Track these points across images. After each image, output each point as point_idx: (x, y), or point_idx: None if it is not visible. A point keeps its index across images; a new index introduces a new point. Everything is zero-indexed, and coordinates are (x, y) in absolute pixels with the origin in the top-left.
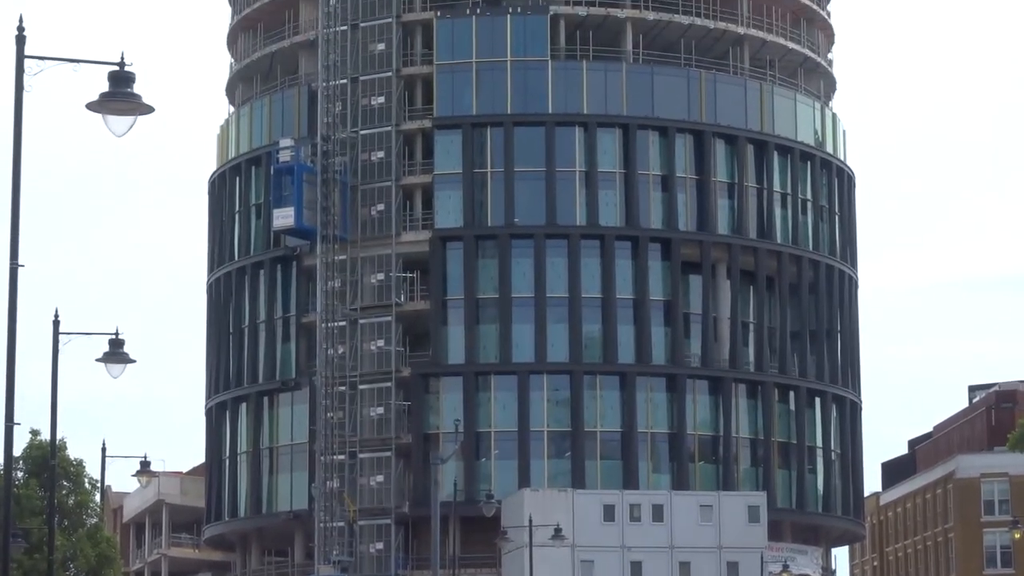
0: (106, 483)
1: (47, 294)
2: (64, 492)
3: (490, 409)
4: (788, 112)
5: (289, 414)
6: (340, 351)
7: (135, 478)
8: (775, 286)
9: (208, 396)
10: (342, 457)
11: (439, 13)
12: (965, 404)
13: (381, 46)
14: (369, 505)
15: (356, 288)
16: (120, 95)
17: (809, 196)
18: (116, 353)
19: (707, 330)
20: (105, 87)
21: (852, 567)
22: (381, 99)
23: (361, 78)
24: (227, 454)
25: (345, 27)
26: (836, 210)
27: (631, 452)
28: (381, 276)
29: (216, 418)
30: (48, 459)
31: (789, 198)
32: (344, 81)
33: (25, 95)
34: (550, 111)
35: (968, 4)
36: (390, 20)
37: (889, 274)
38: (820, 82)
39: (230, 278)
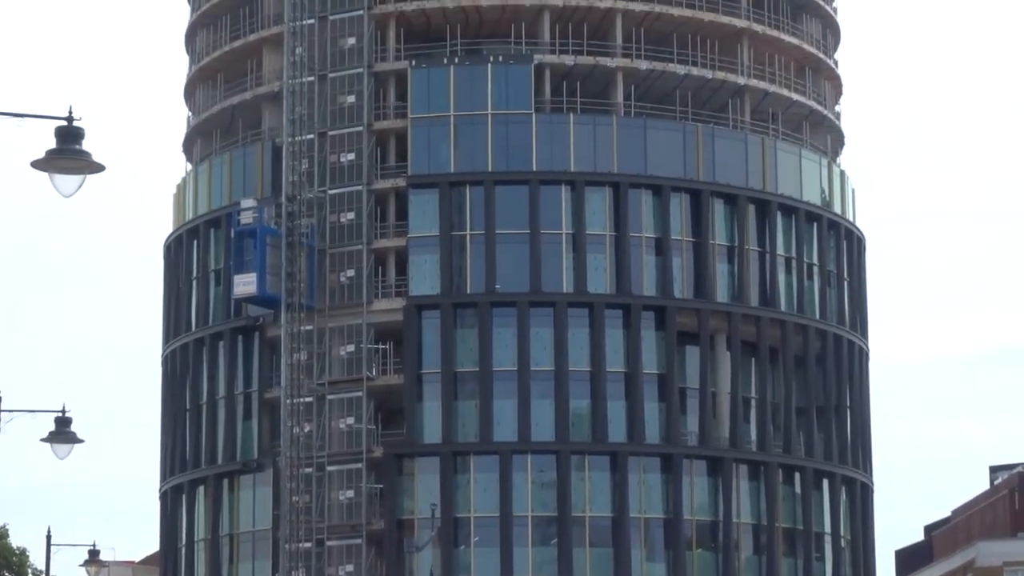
0: (51, 574)
1: None
2: None
3: (469, 492)
4: (792, 169)
5: (251, 498)
6: (306, 429)
7: (83, 568)
8: (779, 358)
9: (163, 478)
10: (308, 545)
11: (414, 62)
12: (986, 486)
13: (351, 98)
14: None
15: (324, 361)
16: (68, 152)
17: (815, 260)
18: (63, 432)
19: (705, 406)
20: (52, 143)
21: None
22: (351, 156)
23: (329, 133)
24: (183, 542)
25: (312, 77)
26: (845, 275)
27: (623, 539)
28: (351, 348)
29: (171, 502)
30: None
31: (794, 262)
32: (311, 136)
33: None
34: (534, 168)
35: (987, 59)
36: (361, 70)
37: (902, 345)
38: (827, 137)
39: (187, 350)
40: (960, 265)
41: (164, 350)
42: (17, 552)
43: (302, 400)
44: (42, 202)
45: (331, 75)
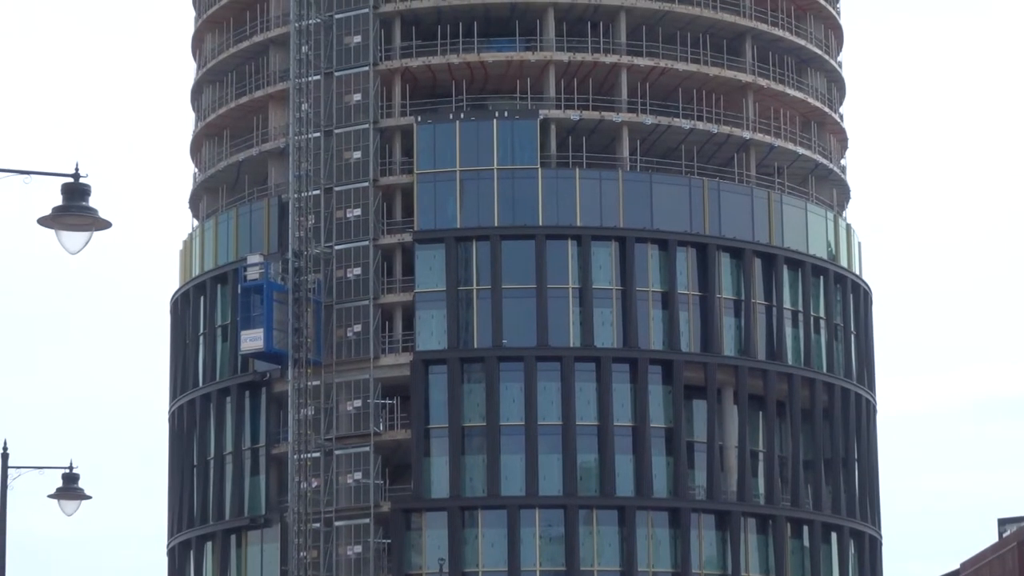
0: None
1: None
2: None
3: (477, 547)
4: (799, 223)
5: (258, 554)
6: (314, 485)
7: None
8: (786, 412)
9: (170, 534)
10: None
11: (419, 118)
12: (994, 539)
13: (357, 154)
14: None
15: (331, 416)
16: (75, 209)
17: (822, 314)
18: (70, 488)
19: (713, 460)
20: (58, 200)
21: None
22: (357, 211)
23: (336, 189)
24: None
25: (318, 133)
26: (852, 329)
27: None
28: (358, 403)
29: (179, 558)
30: None
31: (801, 316)
32: (317, 192)
33: None
34: (540, 223)
35: (991, 115)
36: (367, 126)
37: (910, 398)
38: (833, 191)
39: (194, 406)
40: (966, 317)
41: (171, 406)
42: None
43: (309, 455)
44: (49, 258)
45: (337, 131)
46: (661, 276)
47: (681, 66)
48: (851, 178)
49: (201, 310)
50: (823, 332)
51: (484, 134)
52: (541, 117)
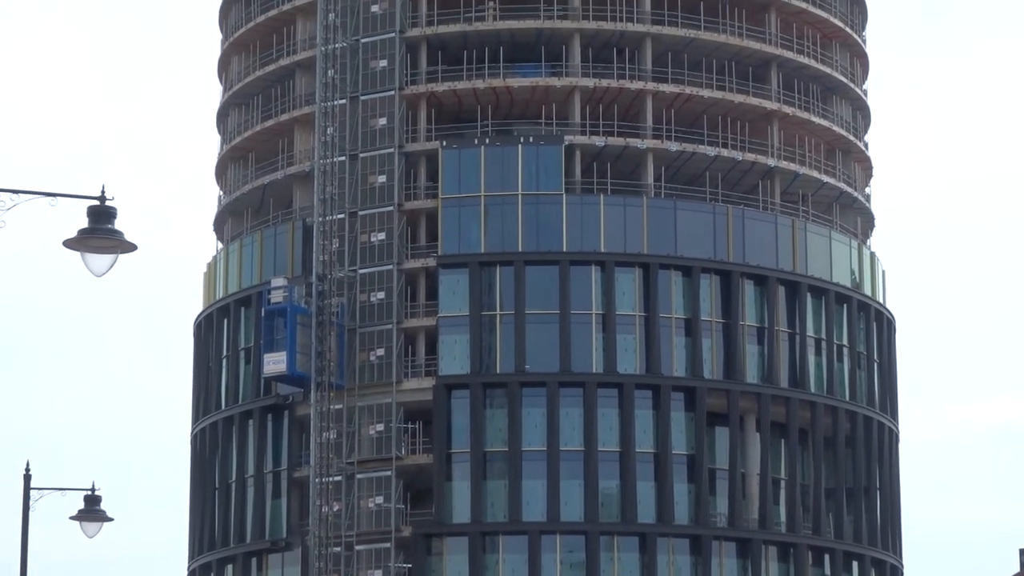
0: None
1: (17, 446)
2: None
3: (498, 572)
4: (822, 251)
5: None
6: (335, 508)
7: None
8: (808, 439)
9: (191, 557)
10: None
11: (444, 143)
12: (1016, 568)
13: (382, 178)
14: None
15: (353, 440)
16: (100, 231)
17: (845, 342)
18: (92, 510)
19: (734, 487)
20: (84, 223)
21: None
22: (382, 235)
23: (360, 213)
24: None
25: (343, 157)
26: (875, 357)
27: None
28: (380, 427)
29: None
30: None
31: (824, 344)
32: (342, 216)
33: None
34: (564, 249)
35: (1020, 139)
36: (392, 150)
37: (933, 427)
38: (857, 218)
39: (216, 429)
40: (989, 346)
41: (194, 428)
42: None
43: (331, 479)
44: (74, 280)
45: (362, 155)
46: (684, 303)
47: (706, 93)
48: (875, 206)
49: (225, 333)
50: (846, 360)
51: (509, 159)
52: (566, 143)
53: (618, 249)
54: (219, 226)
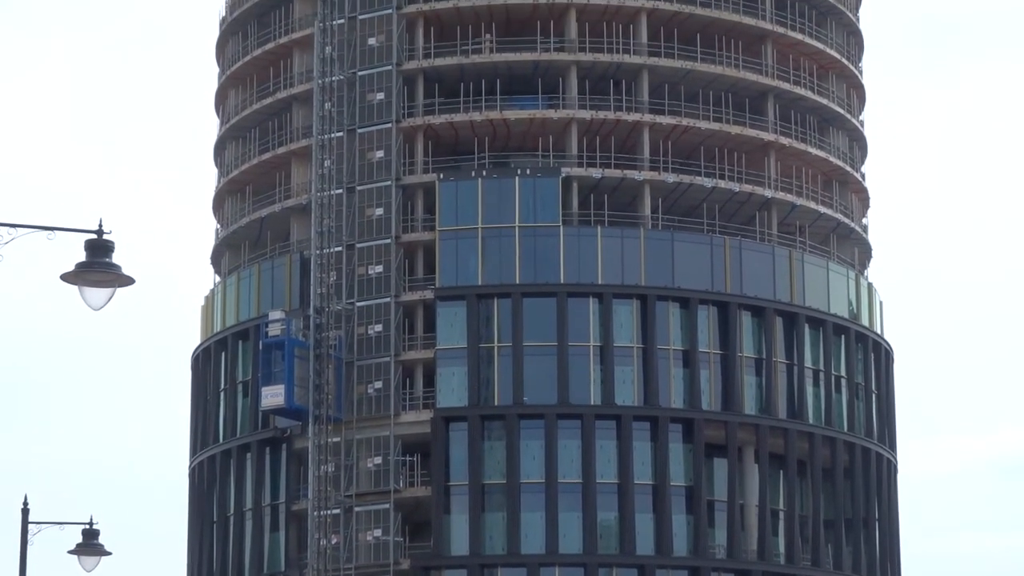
0: None
1: (15, 479)
2: None
3: None
4: (820, 282)
5: None
6: (334, 541)
7: None
8: (807, 471)
9: None
10: None
11: (442, 175)
12: None
13: (379, 210)
14: None
15: (351, 473)
16: (98, 265)
17: (843, 373)
18: (90, 544)
19: (733, 518)
20: (82, 256)
21: None
22: (379, 268)
23: (358, 245)
24: None
25: (340, 190)
26: (873, 388)
27: None
28: (378, 460)
29: None
30: None
31: (822, 375)
32: (339, 249)
33: None
34: (562, 281)
35: (1017, 169)
36: (389, 183)
37: (932, 458)
38: (854, 249)
39: (214, 462)
40: (988, 377)
41: (191, 462)
42: None
43: (329, 512)
44: (72, 314)
45: (359, 188)
46: (682, 334)
47: (703, 124)
48: (873, 237)
49: (222, 366)
50: (844, 391)
51: (506, 191)
52: (563, 175)
53: (615, 281)
54: (217, 259)
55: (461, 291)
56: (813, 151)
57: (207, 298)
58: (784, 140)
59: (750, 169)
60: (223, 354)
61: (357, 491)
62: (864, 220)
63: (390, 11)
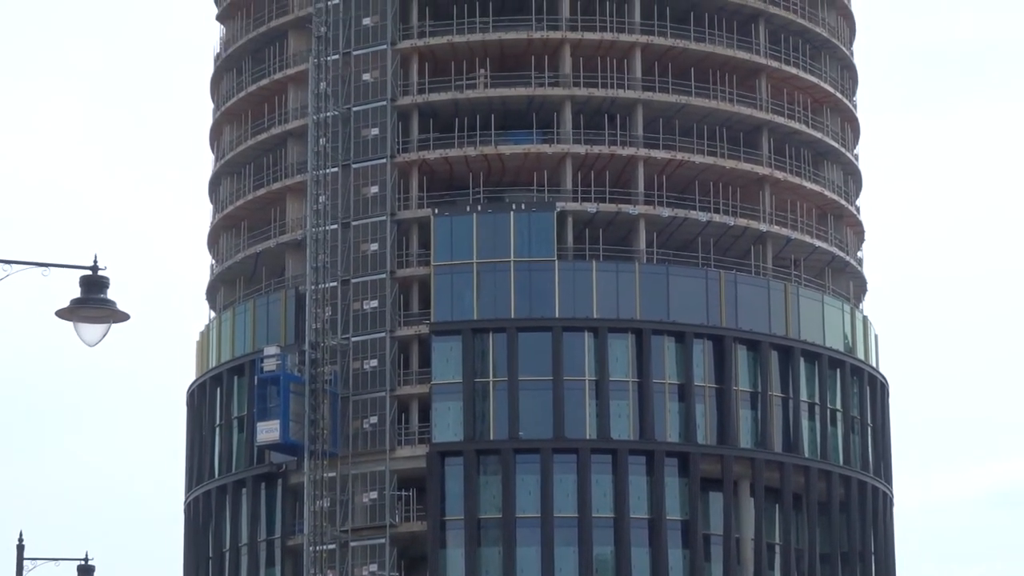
0: None
1: (10, 516)
2: None
3: None
4: (815, 316)
5: None
6: None
7: None
8: (803, 504)
9: None
10: None
11: (436, 210)
12: None
13: (374, 246)
14: None
15: (347, 508)
16: (92, 301)
17: (839, 406)
18: None
19: (729, 552)
20: (77, 292)
21: None
22: (374, 303)
23: (352, 280)
24: None
25: (335, 225)
26: (869, 421)
27: None
28: (374, 495)
29: None
30: None
31: (817, 408)
32: (334, 284)
33: None
34: (557, 315)
35: (1012, 203)
36: (384, 218)
37: (928, 491)
38: (849, 283)
39: (209, 497)
40: (983, 410)
41: (187, 497)
42: None
43: (325, 547)
44: (66, 351)
45: (354, 223)
46: (678, 368)
47: (698, 159)
48: (868, 270)
49: (217, 401)
50: (840, 424)
51: (501, 226)
52: (558, 209)
53: (611, 315)
54: (212, 295)
55: (456, 326)
56: (808, 185)
57: (202, 333)
58: (779, 174)
59: (745, 203)
60: (218, 389)
61: (353, 526)
62: (859, 253)
63: (384, 47)
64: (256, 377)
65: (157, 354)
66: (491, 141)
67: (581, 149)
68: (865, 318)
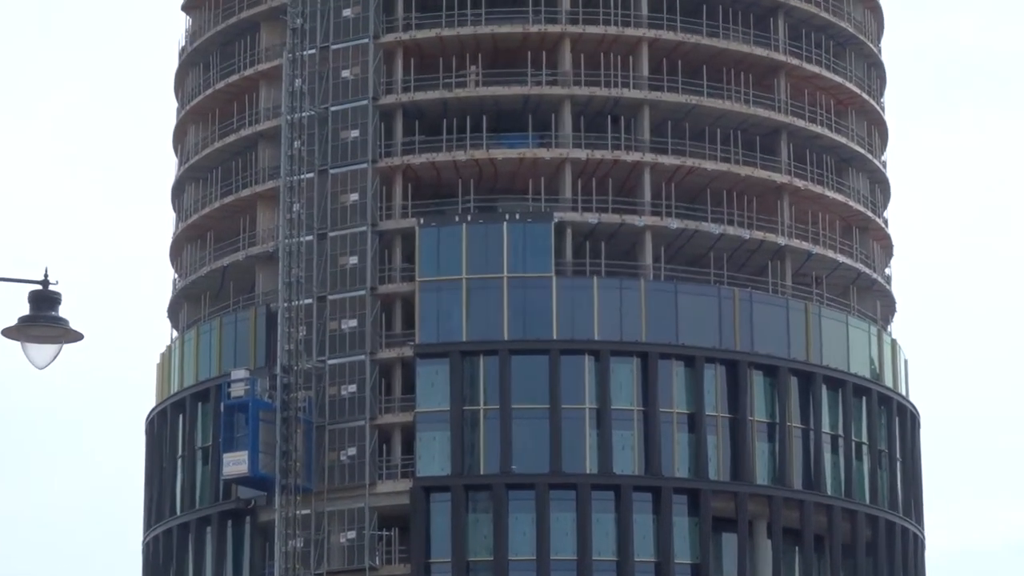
0: None
1: None
2: None
3: None
4: (839, 338)
5: None
6: None
7: None
8: (825, 546)
9: None
10: None
11: (422, 220)
12: None
13: (353, 259)
14: None
15: (322, 549)
16: (43, 319)
17: (865, 439)
18: None
19: None
20: (25, 310)
21: None
22: (353, 322)
23: (329, 297)
24: None
25: (311, 236)
26: (897, 455)
27: None
28: (352, 534)
29: None
30: None
31: (841, 441)
32: (309, 301)
33: None
34: (554, 337)
35: None
36: (364, 229)
37: (962, 531)
38: (876, 302)
39: (170, 536)
40: (1022, 441)
41: (146, 536)
42: None
43: None
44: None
45: (331, 234)
46: (687, 396)
47: (710, 165)
48: (897, 289)
49: (180, 430)
50: (866, 459)
51: (493, 238)
52: (556, 220)
53: (614, 337)
54: (174, 312)
55: (443, 348)
56: (831, 194)
57: (163, 355)
58: (799, 182)
59: (761, 214)
60: (181, 417)
61: (328, 569)
62: (887, 270)
63: (366, 40)
64: (222, 404)
65: (113, 378)
66: (483, 145)
67: (581, 154)
68: (894, 341)
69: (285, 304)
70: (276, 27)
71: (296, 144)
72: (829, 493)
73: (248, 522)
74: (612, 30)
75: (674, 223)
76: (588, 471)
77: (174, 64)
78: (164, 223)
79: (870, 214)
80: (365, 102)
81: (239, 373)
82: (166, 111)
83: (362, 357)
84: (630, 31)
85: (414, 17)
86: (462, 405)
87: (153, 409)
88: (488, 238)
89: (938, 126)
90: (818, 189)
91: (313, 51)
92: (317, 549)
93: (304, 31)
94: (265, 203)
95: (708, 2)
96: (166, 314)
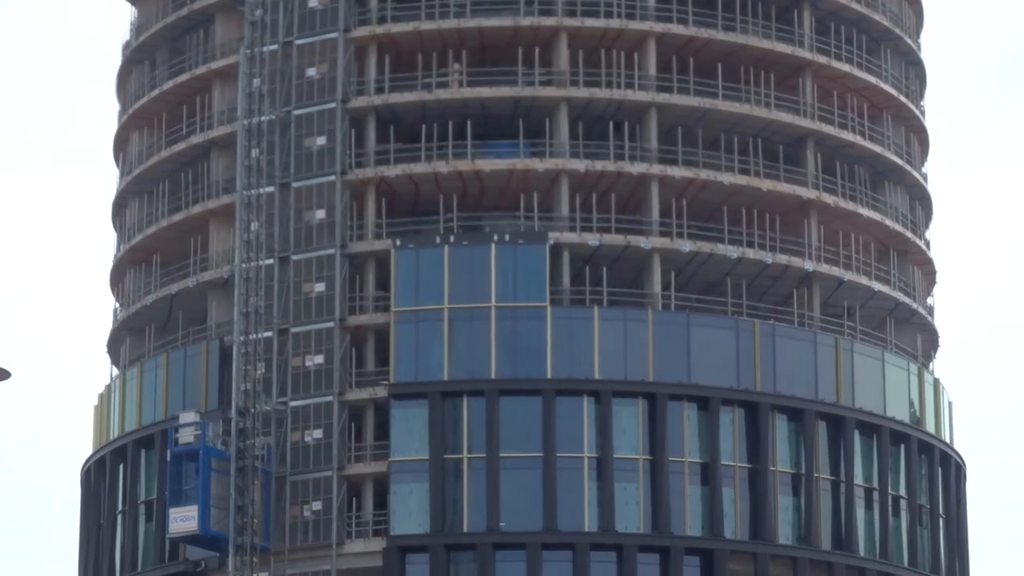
0: None
1: None
2: None
3: None
4: (874, 378)
5: None
6: None
7: None
8: None
9: None
10: None
11: (398, 241)
12: None
13: (320, 286)
14: None
15: None
16: None
17: (903, 492)
18: None
19: None
20: None
21: None
22: (319, 358)
23: (292, 330)
24: None
25: (271, 260)
26: (940, 511)
27: None
28: None
29: None
30: None
31: (876, 495)
32: (269, 334)
33: None
34: (549, 375)
35: None
36: (332, 251)
37: None
38: (916, 337)
39: None
40: None
41: None
42: None
43: None
44: None
45: (294, 257)
46: (700, 443)
47: (726, 178)
48: (940, 322)
49: (120, 482)
50: (904, 515)
51: (479, 263)
52: (551, 242)
53: (617, 376)
54: (114, 347)
55: (422, 388)
56: (864, 212)
57: (101, 396)
58: (828, 198)
59: (785, 235)
60: (121, 466)
61: None
62: (929, 300)
63: (335, 35)
64: (169, 451)
65: (45, 421)
66: (467, 154)
67: (580, 165)
68: (936, 381)
69: (241, 338)
70: (233, 19)
71: (254, 153)
72: (862, 554)
73: None
74: (615, 23)
75: (686, 245)
76: (587, 529)
77: (116, 61)
78: (104, 245)
79: (909, 235)
80: (333, 105)
81: (188, 416)
82: (106, 115)
83: (329, 398)
84: (635, 25)
85: (390, 8)
86: (443, 453)
87: (90, 457)
88: (473, 262)
89: (986, 134)
90: (850, 206)
91: (275, 47)
92: None
93: (264, 24)
94: (219, 221)
95: None
96: (105, 349)
